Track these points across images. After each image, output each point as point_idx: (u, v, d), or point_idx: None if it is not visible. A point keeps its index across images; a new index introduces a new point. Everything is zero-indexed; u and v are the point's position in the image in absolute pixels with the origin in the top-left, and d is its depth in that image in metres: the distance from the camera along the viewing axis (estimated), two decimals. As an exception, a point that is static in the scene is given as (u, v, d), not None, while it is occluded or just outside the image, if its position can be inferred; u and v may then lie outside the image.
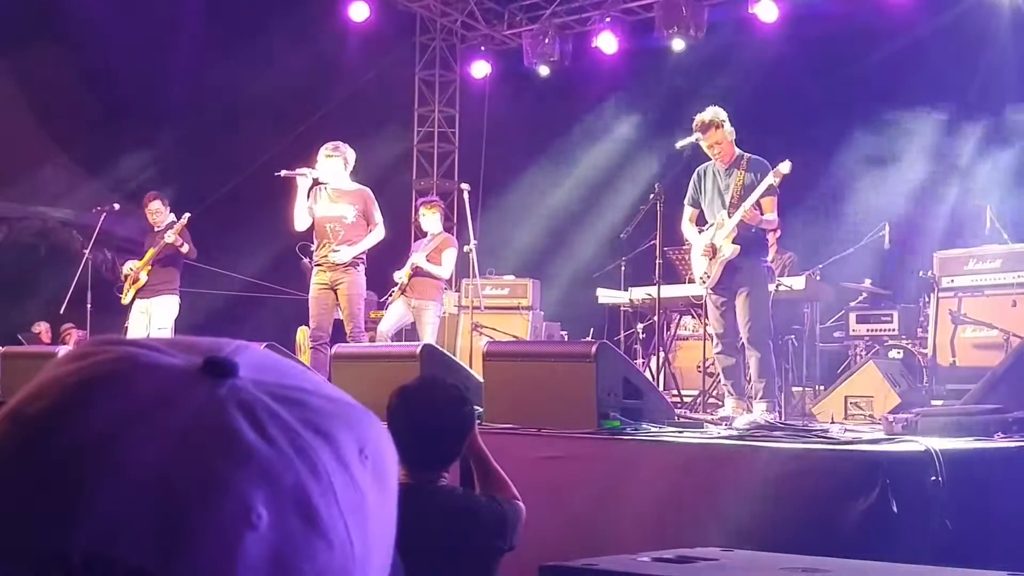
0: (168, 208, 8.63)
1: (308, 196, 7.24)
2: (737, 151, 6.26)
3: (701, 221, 6.46)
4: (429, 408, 2.84)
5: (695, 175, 6.43)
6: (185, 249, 8.45)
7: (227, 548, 0.51)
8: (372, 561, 0.58)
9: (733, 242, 6.10)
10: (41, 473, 0.52)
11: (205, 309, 10.72)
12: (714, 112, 6.19)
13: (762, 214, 6.09)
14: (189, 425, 0.54)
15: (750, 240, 6.15)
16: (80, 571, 0.50)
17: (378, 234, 7.30)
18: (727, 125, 6.18)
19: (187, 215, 8.55)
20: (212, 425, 0.54)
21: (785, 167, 6.08)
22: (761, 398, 6.03)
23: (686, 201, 6.47)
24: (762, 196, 6.07)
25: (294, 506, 0.54)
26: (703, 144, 6.24)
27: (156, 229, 8.59)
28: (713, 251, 6.18)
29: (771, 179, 6.07)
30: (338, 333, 7.41)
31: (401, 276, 8.36)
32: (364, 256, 7.32)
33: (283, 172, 7.26)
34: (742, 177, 6.14)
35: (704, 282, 6.25)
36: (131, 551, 0.50)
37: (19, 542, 0.51)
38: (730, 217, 6.12)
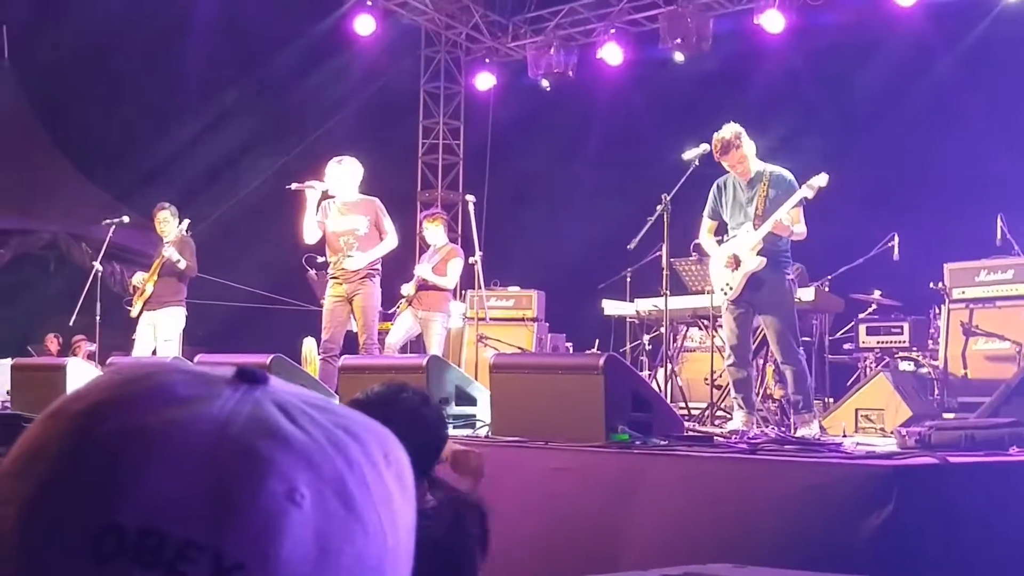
0: (177, 219, 8.58)
1: (318, 210, 7.23)
2: (759, 164, 6.21)
3: (717, 233, 6.42)
4: (396, 415, 2.69)
5: (715, 187, 6.37)
6: (182, 266, 8.36)
7: (273, 523, 0.54)
8: (400, 559, 0.60)
9: (758, 254, 6.05)
10: (92, 456, 0.55)
11: (212, 321, 10.70)
12: (733, 131, 6.09)
13: (791, 225, 6.05)
14: (229, 414, 0.57)
15: (775, 253, 6.10)
16: (134, 543, 0.53)
17: (391, 242, 7.30)
18: (746, 142, 6.12)
19: (187, 220, 8.52)
20: (252, 414, 0.57)
21: (822, 180, 6.01)
22: (801, 409, 6.01)
23: (705, 213, 6.42)
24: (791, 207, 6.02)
25: (333, 491, 0.56)
26: (725, 164, 6.19)
27: (165, 240, 8.56)
28: (736, 262, 6.12)
29: (806, 192, 6.01)
30: (347, 345, 7.39)
31: (408, 289, 8.35)
32: (379, 267, 7.31)
33: (293, 185, 7.28)
34: (765, 190, 6.09)
35: (726, 293, 6.19)
36: (182, 524, 0.53)
37: (76, 517, 0.54)
38: (756, 230, 6.06)
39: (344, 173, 7.24)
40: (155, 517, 0.53)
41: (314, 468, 0.56)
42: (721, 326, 7.57)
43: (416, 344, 8.64)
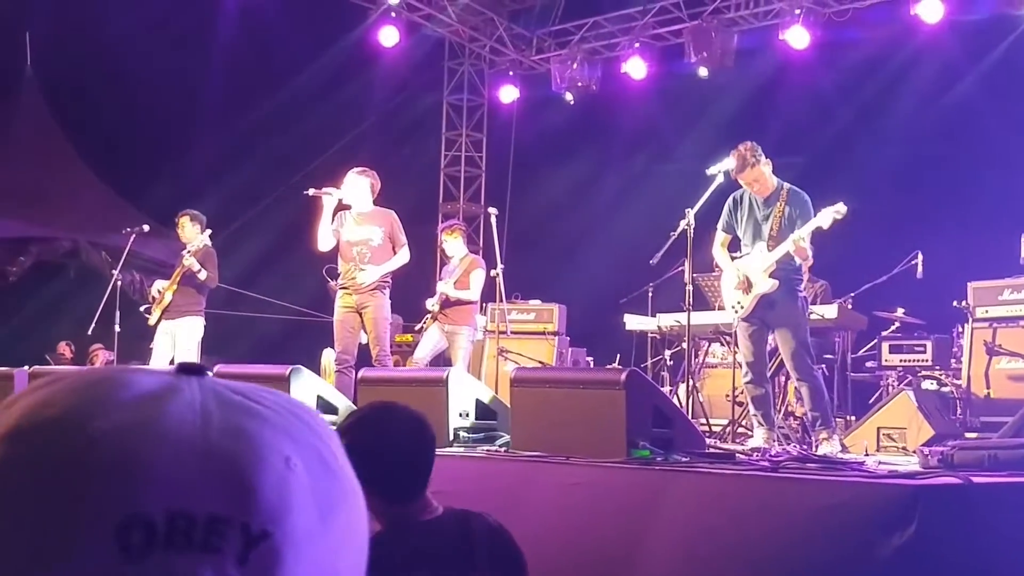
0: (200, 227, 8.57)
1: (333, 219, 7.26)
2: (776, 181, 6.15)
3: (732, 247, 6.39)
4: (390, 434, 2.67)
5: (731, 200, 6.32)
6: (203, 276, 8.31)
7: (283, 491, 0.56)
8: (366, 526, 0.62)
9: (771, 276, 6.02)
10: (93, 454, 0.54)
11: (232, 332, 10.74)
12: (750, 150, 6.05)
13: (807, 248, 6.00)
14: (202, 402, 0.58)
15: (788, 273, 6.06)
16: (165, 528, 0.53)
17: (403, 256, 7.31)
18: (763, 160, 6.08)
19: (208, 231, 8.55)
20: (220, 400, 0.59)
21: (841, 209, 5.91)
22: (820, 426, 5.98)
23: (719, 226, 6.38)
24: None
25: (314, 458, 0.59)
26: (741, 182, 6.16)
27: (187, 247, 8.57)
28: (748, 285, 6.09)
29: (824, 219, 5.91)
30: (363, 356, 7.39)
31: (433, 305, 8.37)
32: (390, 279, 7.31)
33: (310, 191, 7.30)
34: (782, 210, 6.04)
35: (737, 311, 6.17)
36: (204, 502, 0.54)
37: (93, 517, 0.53)
38: (770, 251, 6.01)
39: (362, 183, 7.26)
40: (177, 499, 0.53)
41: (293, 439, 0.58)
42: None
43: (441, 358, 8.64)
